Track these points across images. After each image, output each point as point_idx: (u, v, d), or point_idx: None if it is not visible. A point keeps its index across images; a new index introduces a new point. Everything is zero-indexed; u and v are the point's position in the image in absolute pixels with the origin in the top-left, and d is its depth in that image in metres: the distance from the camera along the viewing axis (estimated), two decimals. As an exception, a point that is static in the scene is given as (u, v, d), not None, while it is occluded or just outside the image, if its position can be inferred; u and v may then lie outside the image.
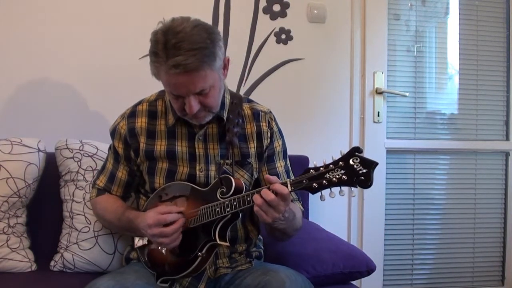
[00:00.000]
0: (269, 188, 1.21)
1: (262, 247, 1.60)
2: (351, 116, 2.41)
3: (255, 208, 1.22)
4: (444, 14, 2.58)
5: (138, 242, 1.46)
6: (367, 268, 1.63)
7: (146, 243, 1.43)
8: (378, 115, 2.43)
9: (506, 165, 2.64)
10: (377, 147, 2.44)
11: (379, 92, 2.42)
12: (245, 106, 1.50)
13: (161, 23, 1.27)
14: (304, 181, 1.18)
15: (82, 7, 2.11)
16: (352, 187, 1.15)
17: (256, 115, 1.49)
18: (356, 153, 1.14)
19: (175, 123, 1.44)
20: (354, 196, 1.17)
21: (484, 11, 2.57)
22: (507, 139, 2.62)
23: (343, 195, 1.16)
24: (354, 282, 1.67)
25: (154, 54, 1.24)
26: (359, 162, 1.13)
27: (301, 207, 1.52)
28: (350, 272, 1.61)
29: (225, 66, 1.35)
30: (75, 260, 1.66)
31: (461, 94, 2.60)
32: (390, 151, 2.48)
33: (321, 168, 1.17)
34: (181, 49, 1.20)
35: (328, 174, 1.16)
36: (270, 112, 1.54)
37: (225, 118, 1.43)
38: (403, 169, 2.54)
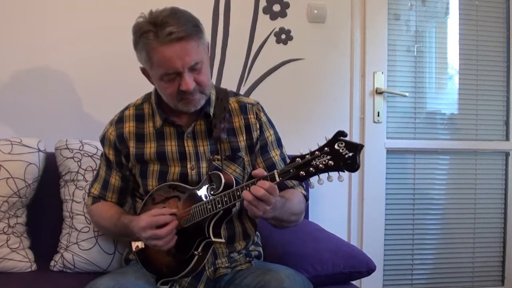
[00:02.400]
0: (255, 184, 1.21)
1: (261, 245, 1.60)
2: (351, 116, 2.41)
3: (245, 203, 1.22)
4: (444, 14, 2.58)
5: (136, 247, 1.45)
6: (367, 268, 1.63)
7: (144, 247, 1.42)
8: (378, 115, 2.43)
9: (506, 165, 2.64)
10: (377, 147, 2.44)
11: (379, 92, 2.42)
12: (232, 100, 1.50)
13: (140, 18, 1.31)
14: (291, 170, 1.17)
15: (82, 6, 2.11)
16: (340, 172, 1.13)
17: (243, 108, 1.49)
18: (341, 137, 1.12)
19: (163, 124, 1.44)
20: (342, 180, 1.15)
21: (484, 11, 2.57)
22: (507, 139, 2.62)
23: (331, 181, 1.15)
24: (354, 282, 1.67)
25: (144, 32, 1.28)
26: (344, 146, 1.11)
27: (303, 191, 1.50)
28: (350, 272, 1.61)
29: (208, 50, 1.39)
30: (75, 260, 1.66)
31: (461, 94, 2.60)
32: (390, 151, 2.48)
33: (307, 156, 1.16)
34: (169, 22, 1.25)
35: (314, 161, 1.14)
36: (258, 103, 1.53)
37: (211, 114, 1.44)
38: (403, 169, 2.54)
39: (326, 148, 1.13)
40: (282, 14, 2.31)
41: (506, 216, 2.63)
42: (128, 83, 2.12)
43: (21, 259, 1.65)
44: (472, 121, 2.60)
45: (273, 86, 2.31)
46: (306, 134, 2.33)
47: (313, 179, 1.16)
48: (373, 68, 2.42)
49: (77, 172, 1.73)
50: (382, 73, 2.43)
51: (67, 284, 1.56)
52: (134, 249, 1.46)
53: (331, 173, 1.14)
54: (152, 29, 1.26)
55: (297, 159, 1.17)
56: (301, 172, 1.15)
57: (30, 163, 1.70)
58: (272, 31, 2.31)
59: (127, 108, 1.52)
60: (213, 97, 1.46)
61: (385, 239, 2.47)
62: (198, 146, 1.44)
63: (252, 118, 1.49)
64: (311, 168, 1.14)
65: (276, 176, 1.19)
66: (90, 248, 1.67)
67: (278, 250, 1.62)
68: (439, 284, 2.59)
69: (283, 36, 2.32)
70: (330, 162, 1.12)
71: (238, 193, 1.24)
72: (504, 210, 2.64)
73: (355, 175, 2.39)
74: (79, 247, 1.67)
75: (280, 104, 2.28)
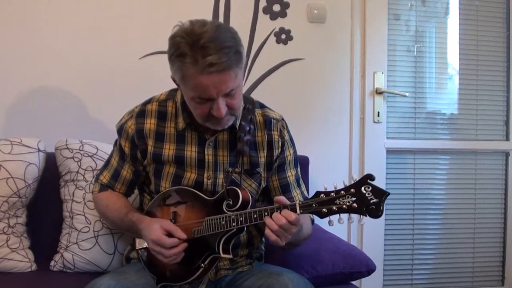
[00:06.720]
0: (279, 212, 1.19)
1: (263, 249, 1.59)
2: (351, 116, 2.41)
3: (267, 232, 1.20)
4: (444, 14, 2.58)
5: (140, 244, 1.44)
6: (367, 268, 1.63)
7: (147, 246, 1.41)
8: (378, 115, 2.43)
9: (506, 165, 2.64)
10: (377, 147, 2.44)
11: (379, 92, 2.42)
12: (258, 112, 1.47)
13: (177, 27, 1.23)
14: (314, 205, 1.17)
15: (82, 7, 2.11)
16: (361, 216, 1.14)
17: (268, 122, 1.46)
18: (369, 181, 1.13)
19: (185, 127, 1.41)
20: (363, 224, 1.17)
21: (484, 11, 2.57)
22: (507, 139, 2.62)
23: (351, 222, 1.16)
24: (354, 282, 1.67)
25: (182, 55, 1.19)
26: (370, 191, 1.12)
27: (311, 215, 1.50)
28: (350, 272, 1.61)
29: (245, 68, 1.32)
30: (75, 260, 1.66)
31: (461, 94, 2.60)
32: (390, 151, 2.48)
33: (332, 194, 1.16)
34: (210, 48, 1.17)
35: (339, 200, 1.15)
36: (283, 119, 1.51)
37: (237, 126, 1.40)
38: (403, 169, 2.54)
39: (352, 189, 1.14)
40: (282, 14, 2.31)
41: (506, 216, 2.63)
42: (128, 84, 2.13)
43: (21, 259, 1.65)
44: (472, 121, 2.60)
45: (273, 86, 2.31)
46: (306, 134, 2.33)
47: (334, 217, 1.17)
48: (373, 68, 2.42)
49: (77, 172, 1.73)
50: (382, 73, 2.43)
51: (67, 284, 1.56)
52: (138, 246, 1.45)
53: (352, 215, 1.15)
54: (191, 54, 1.17)
55: (321, 195, 1.17)
56: (324, 209, 1.16)
57: (30, 163, 1.70)
58: (272, 31, 2.31)
59: (150, 101, 1.46)
60: (240, 108, 1.41)
61: (385, 239, 2.47)
62: (218, 156, 1.41)
63: (275, 135, 1.46)
64: (334, 207, 1.15)
65: (298, 208, 1.19)
66: (90, 248, 1.67)
67: (278, 251, 1.62)
68: (439, 284, 2.59)
69: (283, 36, 2.32)
70: (354, 204, 1.13)
71: (255, 216, 1.22)
72: (504, 210, 2.64)
73: (355, 175, 2.38)
74: (79, 247, 1.67)
75: (280, 104, 2.25)
